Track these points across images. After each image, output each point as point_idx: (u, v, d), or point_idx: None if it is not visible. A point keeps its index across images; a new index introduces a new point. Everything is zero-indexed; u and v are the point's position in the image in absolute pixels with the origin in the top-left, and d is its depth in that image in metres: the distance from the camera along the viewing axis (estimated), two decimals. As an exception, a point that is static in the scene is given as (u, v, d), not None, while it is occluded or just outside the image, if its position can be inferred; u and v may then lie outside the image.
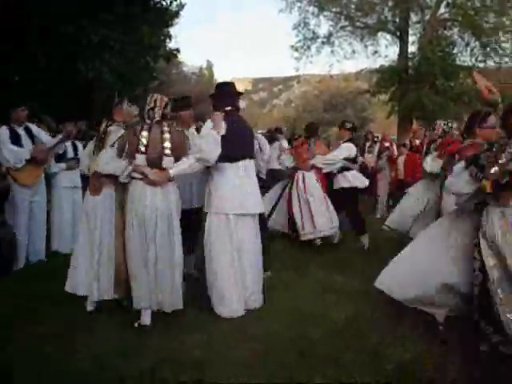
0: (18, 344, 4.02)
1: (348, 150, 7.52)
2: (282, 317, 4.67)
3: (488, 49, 20.90)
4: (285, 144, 10.75)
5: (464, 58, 21.79)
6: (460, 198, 4.31)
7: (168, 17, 14.52)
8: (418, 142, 9.81)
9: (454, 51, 21.77)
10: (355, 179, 7.65)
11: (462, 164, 4.19)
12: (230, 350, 3.98)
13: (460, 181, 4.11)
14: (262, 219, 5.63)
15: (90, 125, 9.23)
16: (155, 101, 4.54)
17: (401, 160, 10.62)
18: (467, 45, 21.57)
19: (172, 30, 15.45)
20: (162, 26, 13.98)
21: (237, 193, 4.79)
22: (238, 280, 4.76)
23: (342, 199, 7.59)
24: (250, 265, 4.86)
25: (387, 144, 11.56)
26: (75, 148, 7.36)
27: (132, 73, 12.06)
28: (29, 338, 4.11)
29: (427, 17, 22.05)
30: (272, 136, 11.20)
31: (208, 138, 4.57)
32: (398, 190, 9.89)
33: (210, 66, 50.28)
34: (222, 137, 4.61)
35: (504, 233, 3.73)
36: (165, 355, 3.86)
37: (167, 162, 4.45)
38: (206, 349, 4.00)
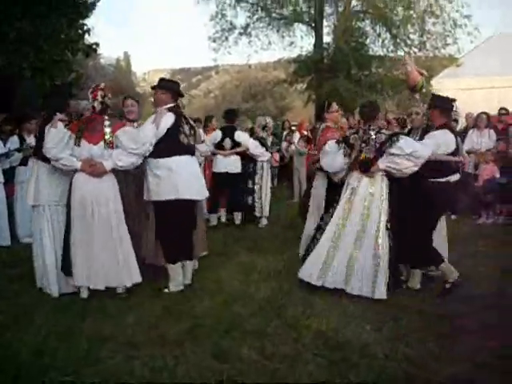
0: None
1: None
2: (208, 297, 4.97)
3: (398, 40, 21.90)
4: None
5: (376, 49, 22.81)
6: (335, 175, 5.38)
7: (84, 8, 14.21)
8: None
9: (367, 42, 22.73)
10: None
11: (331, 146, 5.28)
12: (159, 329, 4.23)
13: (335, 160, 5.21)
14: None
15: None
16: None
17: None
18: (379, 36, 22.51)
19: (89, 22, 15.08)
20: (78, 18, 13.69)
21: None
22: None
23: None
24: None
25: (305, 132, 11.97)
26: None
27: (50, 67, 11.85)
28: None
29: (341, 8, 22.87)
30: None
31: None
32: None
33: (127, 58, 49.49)
34: None
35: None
36: (101, 335, 4.08)
37: None
38: (137, 328, 4.25)
